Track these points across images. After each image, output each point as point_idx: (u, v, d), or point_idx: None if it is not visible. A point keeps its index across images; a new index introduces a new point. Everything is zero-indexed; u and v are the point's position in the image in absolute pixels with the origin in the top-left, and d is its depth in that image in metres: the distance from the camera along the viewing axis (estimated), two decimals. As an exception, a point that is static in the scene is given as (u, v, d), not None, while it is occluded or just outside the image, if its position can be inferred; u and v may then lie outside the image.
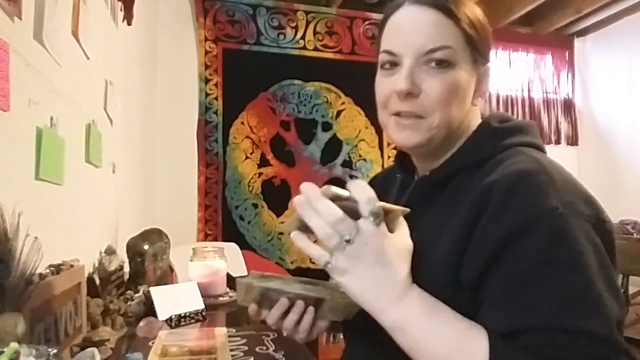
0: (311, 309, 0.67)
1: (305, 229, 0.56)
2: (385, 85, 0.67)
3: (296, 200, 0.56)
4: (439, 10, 0.63)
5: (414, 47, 0.63)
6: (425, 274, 0.62)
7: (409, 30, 0.64)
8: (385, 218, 0.56)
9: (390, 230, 0.58)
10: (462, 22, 0.64)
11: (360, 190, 0.55)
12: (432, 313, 0.56)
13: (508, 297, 0.54)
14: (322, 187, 0.55)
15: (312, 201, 0.54)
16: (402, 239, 0.58)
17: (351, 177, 3.26)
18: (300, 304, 0.66)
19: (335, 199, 0.54)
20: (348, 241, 0.53)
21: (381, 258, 0.55)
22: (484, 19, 0.69)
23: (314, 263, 0.66)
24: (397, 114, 0.66)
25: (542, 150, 0.67)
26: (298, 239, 0.57)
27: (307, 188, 0.55)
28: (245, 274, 1.84)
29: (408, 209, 0.59)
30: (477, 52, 0.67)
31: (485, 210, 0.58)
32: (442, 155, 0.70)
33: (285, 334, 0.69)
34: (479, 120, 0.72)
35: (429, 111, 0.64)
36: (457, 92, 0.65)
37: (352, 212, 0.54)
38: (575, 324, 0.50)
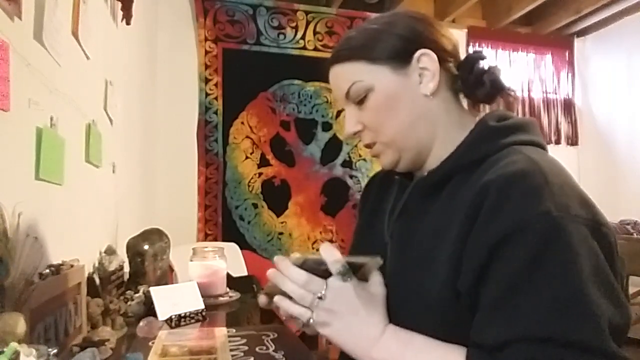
0: None
1: (283, 295, 0.65)
2: None
3: (270, 272, 0.65)
4: (337, 63, 0.72)
5: (339, 98, 0.74)
6: (425, 284, 0.62)
7: (332, 89, 0.75)
8: (359, 272, 0.64)
9: (365, 280, 0.65)
10: (361, 53, 0.70)
11: (328, 253, 0.62)
12: (408, 347, 0.60)
13: (497, 308, 0.54)
14: (291, 256, 0.64)
15: (282, 270, 0.63)
16: (374, 288, 0.65)
17: (351, 177, 3.26)
18: None
19: (305, 263, 0.63)
20: (320, 297, 0.61)
21: (353, 308, 0.62)
22: (402, 18, 0.71)
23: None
24: (366, 146, 0.74)
25: (543, 148, 0.66)
26: (280, 301, 0.64)
27: (279, 260, 0.64)
28: (245, 274, 1.84)
29: (380, 261, 0.65)
30: (397, 58, 0.68)
31: (479, 213, 0.57)
32: (432, 159, 0.70)
33: (298, 327, 0.69)
34: (475, 117, 0.72)
35: (378, 135, 0.71)
36: (389, 106, 0.69)
37: (324, 272, 0.62)
38: (563, 335, 0.49)
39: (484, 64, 0.71)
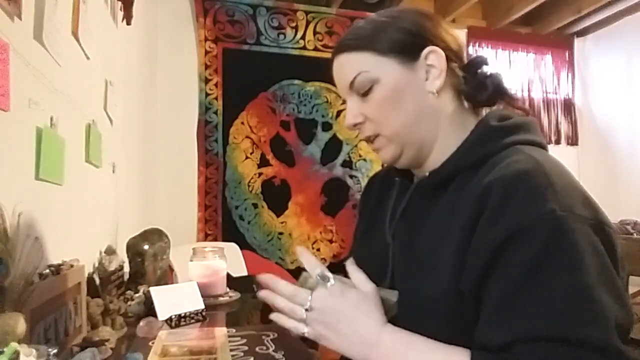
0: None
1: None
2: None
3: (262, 293, 0.67)
4: (344, 52, 0.72)
5: (343, 88, 0.73)
6: (429, 284, 0.62)
7: (336, 78, 0.74)
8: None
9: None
10: (369, 44, 0.69)
11: (306, 259, 0.63)
12: (408, 349, 0.58)
13: (502, 308, 0.54)
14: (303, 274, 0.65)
15: (273, 287, 0.64)
16: (362, 286, 0.63)
17: (351, 177, 3.26)
18: None
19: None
20: (307, 310, 0.61)
21: (343, 317, 0.60)
22: (412, 13, 0.72)
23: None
24: (366, 140, 0.73)
25: (544, 147, 0.66)
26: (277, 317, 0.65)
27: (267, 277, 0.66)
28: (245, 274, 1.85)
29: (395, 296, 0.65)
30: (405, 52, 0.68)
31: (482, 213, 0.57)
32: (433, 158, 0.71)
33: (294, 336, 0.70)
34: (476, 117, 0.72)
35: (380, 128, 0.70)
36: (394, 99, 0.68)
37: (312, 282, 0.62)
38: (573, 334, 0.49)
39: (487, 69, 0.72)
